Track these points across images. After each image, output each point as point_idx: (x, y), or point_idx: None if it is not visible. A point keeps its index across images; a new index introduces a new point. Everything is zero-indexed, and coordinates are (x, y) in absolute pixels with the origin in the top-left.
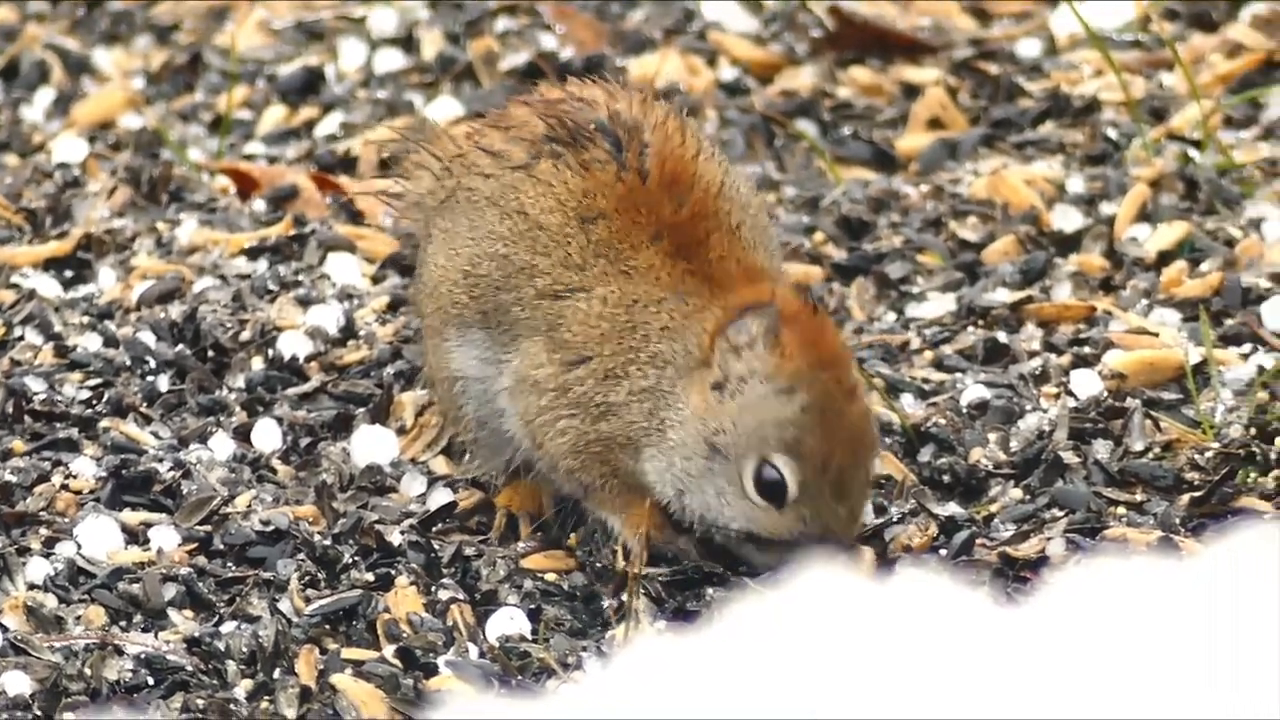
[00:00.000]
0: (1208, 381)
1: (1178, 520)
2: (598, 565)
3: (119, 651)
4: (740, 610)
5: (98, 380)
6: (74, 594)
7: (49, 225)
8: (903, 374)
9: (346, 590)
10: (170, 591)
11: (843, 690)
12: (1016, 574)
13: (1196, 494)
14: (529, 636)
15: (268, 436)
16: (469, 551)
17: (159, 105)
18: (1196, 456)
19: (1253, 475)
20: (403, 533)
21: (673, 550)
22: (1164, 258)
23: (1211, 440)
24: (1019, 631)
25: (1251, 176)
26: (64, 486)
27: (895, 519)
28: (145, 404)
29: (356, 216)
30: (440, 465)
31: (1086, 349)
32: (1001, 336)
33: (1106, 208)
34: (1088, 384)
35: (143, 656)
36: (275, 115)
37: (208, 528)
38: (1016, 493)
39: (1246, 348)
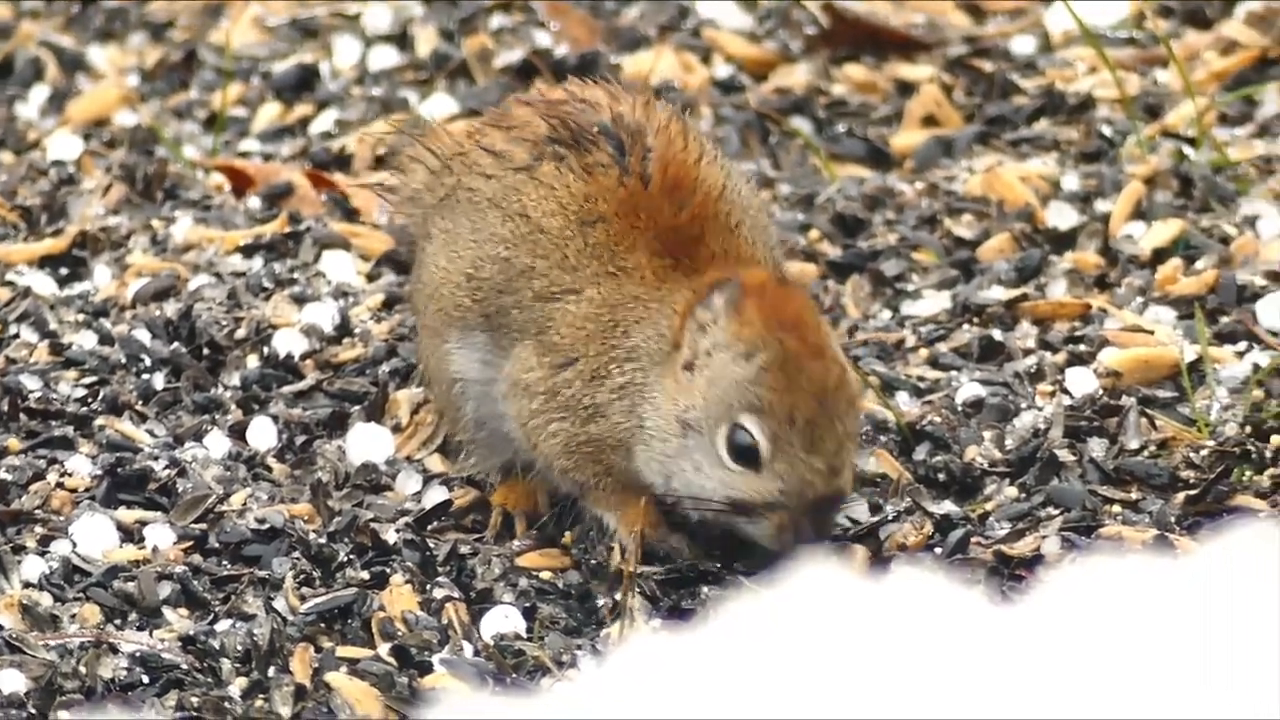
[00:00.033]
0: (1203, 379)
1: (1173, 518)
2: (592, 563)
3: (114, 650)
4: (735, 609)
5: (93, 378)
6: (69, 592)
7: (44, 223)
8: (898, 372)
9: (341, 588)
10: (165, 590)
11: (838, 689)
12: (1012, 572)
13: (1192, 492)
14: (524, 635)
15: (263, 434)
16: (464, 550)
17: (154, 102)
18: (1192, 454)
19: (1248, 473)
20: (398, 531)
21: (666, 548)
22: (1159, 255)
23: (1207, 438)
24: (1014, 630)
25: (1246, 174)
26: (59, 484)
27: (890, 517)
28: (140, 402)
29: (351, 214)
30: (436, 463)
31: (1082, 347)
32: (997, 334)
33: (1101, 205)
34: (1083, 382)
35: (138, 654)
36: (270, 112)
37: (203, 526)
38: (1012, 491)
39: (1242, 345)
